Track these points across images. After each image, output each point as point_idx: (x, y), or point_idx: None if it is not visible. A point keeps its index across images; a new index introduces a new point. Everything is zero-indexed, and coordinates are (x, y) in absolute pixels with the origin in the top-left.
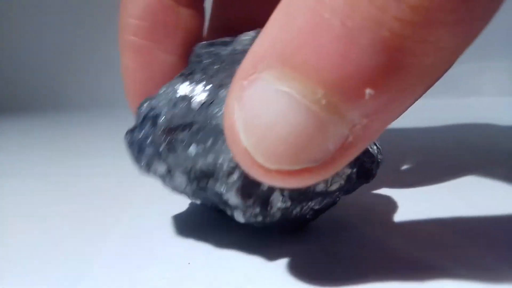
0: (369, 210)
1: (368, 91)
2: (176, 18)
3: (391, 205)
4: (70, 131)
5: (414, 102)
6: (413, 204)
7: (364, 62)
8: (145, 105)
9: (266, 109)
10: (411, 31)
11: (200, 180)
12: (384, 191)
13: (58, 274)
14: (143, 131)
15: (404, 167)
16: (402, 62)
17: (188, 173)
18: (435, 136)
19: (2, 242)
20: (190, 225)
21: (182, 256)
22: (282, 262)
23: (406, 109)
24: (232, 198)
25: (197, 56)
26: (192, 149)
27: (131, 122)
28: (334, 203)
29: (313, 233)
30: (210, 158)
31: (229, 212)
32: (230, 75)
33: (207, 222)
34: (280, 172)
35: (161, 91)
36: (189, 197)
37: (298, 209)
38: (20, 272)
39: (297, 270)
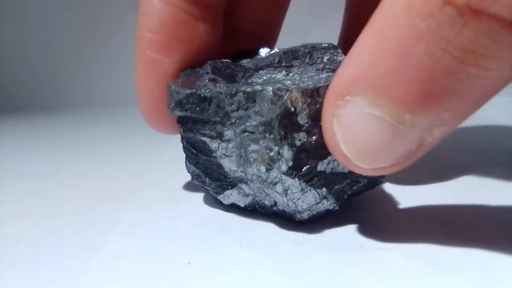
0: (369, 209)
1: (445, 114)
2: (192, 33)
3: (391, 203)
4: (71, 131)
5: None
6: (413, 203)
7: (444, 92)
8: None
9: (361, 128)
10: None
11: None
12: (384, 190)
13: (58, 274)
14: None
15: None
16: (460, 90)
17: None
18: None
19: (2, 242)
20: (190, 225)
21: (182, 256)
22: (283, 263)
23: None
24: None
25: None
26: None
27: (131, 122)
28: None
29: (314, 232)
30: None
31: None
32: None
33: (207, 223)
34: (374, 170)
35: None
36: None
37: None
38: (20, 272)
39: (297, 270)
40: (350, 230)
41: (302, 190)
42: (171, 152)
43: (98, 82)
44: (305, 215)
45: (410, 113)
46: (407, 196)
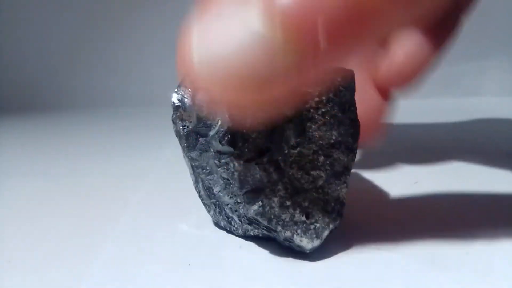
0: (369, 209)
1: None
2: None
3: (390, 203)
4: (70, 131)
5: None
6: (413, 202)
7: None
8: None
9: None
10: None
11: None
12: (384, 189)
13: (58, 274)
14: None
15: (405, 165)
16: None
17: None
18: (436, 135)
19: (2, 242)
20: (190, 226)
21: (182, 257)
22: (282, 264)
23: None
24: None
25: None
26: None
27: (131, 122)
28: None
29: None
30: None
31: None
32: None
33: (207, 224)
34: (222, 83)
35: None
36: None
37: None
38: (20, 272)
39: (297, 271)
40: (350, 230)
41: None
42: (171, 152)
43: (98, 82)
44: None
45: (283, 25)
46: (406, 196)
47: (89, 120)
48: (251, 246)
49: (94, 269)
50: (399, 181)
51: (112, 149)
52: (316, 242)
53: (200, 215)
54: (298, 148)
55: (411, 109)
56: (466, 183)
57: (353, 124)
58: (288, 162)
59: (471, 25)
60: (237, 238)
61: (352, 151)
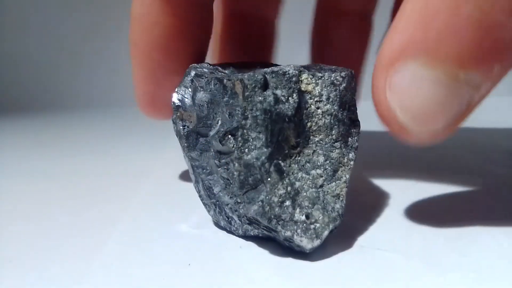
0: (368, 209)
1: (495, 67)
2: (184, 42)
3: (391, 203)
4: (70, 131)
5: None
6: (412, 202)
7: (496, 45)
8: None
9: (415, 91)
10: None
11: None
12: (384, 189)
13: (58, 274)
14: None
15: (405, 165)
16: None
17: None
18: None
19: (2, 242)
20: (190, 226)
21: (182, 257)
22: (282, 264)
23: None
24: None
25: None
26: None
27: (131, 122)
28: None
29: None
30: None
31: None
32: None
33: (207, 223)
34: (429, 134)
35: None
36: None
37: None
38: (19, 272)
39: (297, 271)
40: (350, 231)
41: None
42: (171, 152)
43: (98, 82)
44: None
45: (464, 69)
46: (407, 196)
47: (89, 120)
48: (251, 246)
49: (94, 269)
50: (399, 181)
51: (112, 149)
52: (316, 242)
53: (200, 215)
54: (298, 148)
55: None
56: (466, 183)
57: (354, 123)
58: (288, 162)
59: None
60: (237, 238)
61: (352, 150)
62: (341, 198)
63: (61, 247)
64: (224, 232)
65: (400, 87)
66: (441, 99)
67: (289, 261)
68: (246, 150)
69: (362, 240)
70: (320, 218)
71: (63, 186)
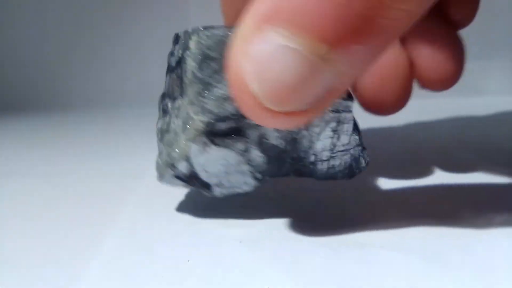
0: (369, 208)
1: (355, 46)
2: None
3: (391, 202)
4: (70, 131)
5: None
6: (413, 201)
7: (354, 25)
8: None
9: (275, 62)
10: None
11: None
12: (384, 189)
13: (58, 274)
14: None
15: (405, 165)
16: (381, 25)
17: None
18: (437, 135)
19: (1, 242)
20: (189, 222)
21: (181, 253)
22: (283, 261)
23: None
24: None
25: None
26: None
27: (130, 122)
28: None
29: (314, 231)
30: None
31: None
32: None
33: (206, 219)
34: (283, 114)
35: None
36: None
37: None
38: (18, 272)
39: (297, 268)
40: (350, 229)
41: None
42: None
43: (98, 82)
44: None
45: (328, 45)
46: (407, 194)
47: (89, 120)
48: (251, 241)
49: (93, 268)
50: (400, 181)
51: (110, 148)
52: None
53: (199, 212)
54: (180, 97)
55: (412, 109)
56: (466, 183)
57: (209, 85)
58: (174, 105)
59: (473, 25)
60: (237, 234)
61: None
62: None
63: (61, 246)
64: (224, 228)
65: (259, 57)
66: (301, 75)
67: (289, 257)
68: None
69: (362, 239)
70: (163, 157)
71: (63, 186)
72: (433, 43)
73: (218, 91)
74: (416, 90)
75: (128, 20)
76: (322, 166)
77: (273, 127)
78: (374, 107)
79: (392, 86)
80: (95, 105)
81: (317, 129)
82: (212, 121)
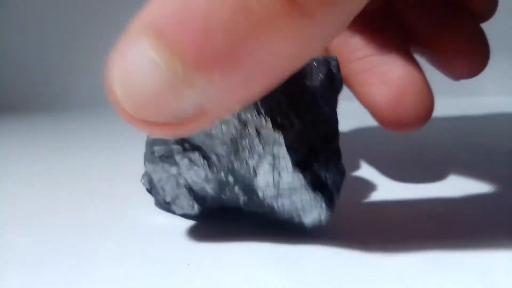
0: (369, 209)
1: (216, 73)
2: None
3: (391, 203)
4: (70, 131)
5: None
6: (413, 202)
7: (215, 53)
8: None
9: (138, 71)
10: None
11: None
12: (384, 189)
13: (58, 274)
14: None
15: (405, 165)
16: (243, 58)
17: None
18: (436, 135)
19: (1, 242)
20: (189, 225)
21: (182, 256)
22: (283, 263)
23: (265, 87)
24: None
25: None
26: None
27: None
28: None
29: (314, 233)
30: None
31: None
32: None
33: (206, 223)
34: (146, 122)
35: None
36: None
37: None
38: (19, 272)
39: (297, 270)
40: (350, 230)
41: None
42: None
43: (98, 82)
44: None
45: (184, 65)
46: (407, 195)
47: (89, 120)
48: (252, 244)
49: (93, 269)
50: (399, 181)
51: (111, 149)
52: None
53: (200, 215)
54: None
55: None
56: (466, 183)
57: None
58: None
59: None
60: (237, 238)
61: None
62: None
63: (60, 247)
64: (224, 231)
65: (125, 64)
66: (159, 88)
67: (290, 260)
68: None
69: (362, 240)
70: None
71: (63, 186)
72: (459, 37)
73: None
74: None
75: (128, 20)
76: (272, 204)
77: (144, 132)
78: (394, 124)
79: (409, 101)
80: (95, 105)
81: (251, 162)
82: (148, 143)
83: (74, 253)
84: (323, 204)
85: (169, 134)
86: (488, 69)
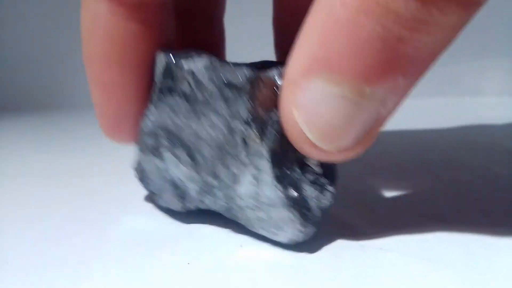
0: (369, 209)
1: (400, 81)
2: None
3: (391, 202)
4: (70, 131)
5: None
6: (413, 202)
7: (383, 59)
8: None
9: (322, 109)
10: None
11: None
12: (384, 189)
13: (58, 274)
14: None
15: (405, 165)
16: (408, 56)
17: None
18: (436, 135)
19: (1, 242)
20: (189, 225)
21: (182, 256)
22: (283, 263)
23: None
24: None
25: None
26: None
27: None
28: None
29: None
30: None
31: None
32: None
33: (207, 223)
34: (339, 152)
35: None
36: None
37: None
38: (19, 272)
39: (297, 270)
40: (350, 230)
41: None
42: None
43: None
44: None
45: (368, 84)
46: (407, 195)
47: (88, 120)
48: (252, 244)
49: (93, 269)
50: (399, 181)
51: (111, 149)
52: None
53: (200, 215)
54: None
55: (410, 109)
56: (466, 183)
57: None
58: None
59: (471, 24)
60: (238, 237)
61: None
62: None
63: (61, 246)
64: (224, 231)
65: (306, 105)
66: (348, 115)
67: (290, 260)
68: None
69: (362, 240)
70: None
71: (63, 186)
72: None
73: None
74: (416, 90)
75: None
76: (250, 215)
77: (329, 162)
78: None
79: None
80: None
81: (235, 170)
82: (141, 133)
83: (74, 253)
84: (299, 224)
85: (351, 155)
86: (488, 69)
